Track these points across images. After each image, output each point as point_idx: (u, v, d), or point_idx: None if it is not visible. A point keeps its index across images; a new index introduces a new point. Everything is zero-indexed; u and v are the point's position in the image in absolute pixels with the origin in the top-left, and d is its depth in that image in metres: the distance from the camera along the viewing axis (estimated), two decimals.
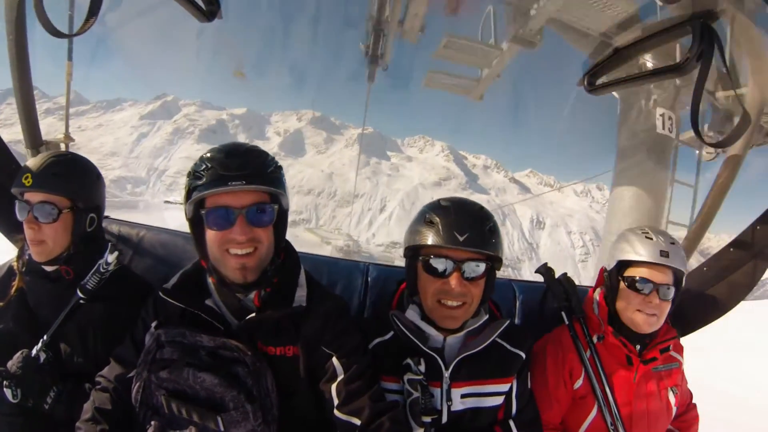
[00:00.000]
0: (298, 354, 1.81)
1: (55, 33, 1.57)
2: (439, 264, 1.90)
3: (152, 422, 1.67)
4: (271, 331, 1.81)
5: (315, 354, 1.82)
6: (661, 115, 5.08)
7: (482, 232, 1.89)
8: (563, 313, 2.48)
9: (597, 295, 2.48)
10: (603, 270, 2.49)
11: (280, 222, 1.85)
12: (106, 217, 2.55)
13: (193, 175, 1.70)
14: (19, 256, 2.17)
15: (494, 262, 1.96)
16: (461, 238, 1.84)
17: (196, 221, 1.77)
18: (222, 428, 1.60)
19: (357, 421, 1.72)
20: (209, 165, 1.68)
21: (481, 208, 2.03)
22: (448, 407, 1.93)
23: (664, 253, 2.20)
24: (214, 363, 1.66)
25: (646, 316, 2.23)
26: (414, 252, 2.01)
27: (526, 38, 5.39)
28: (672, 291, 2.23)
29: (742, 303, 2.96)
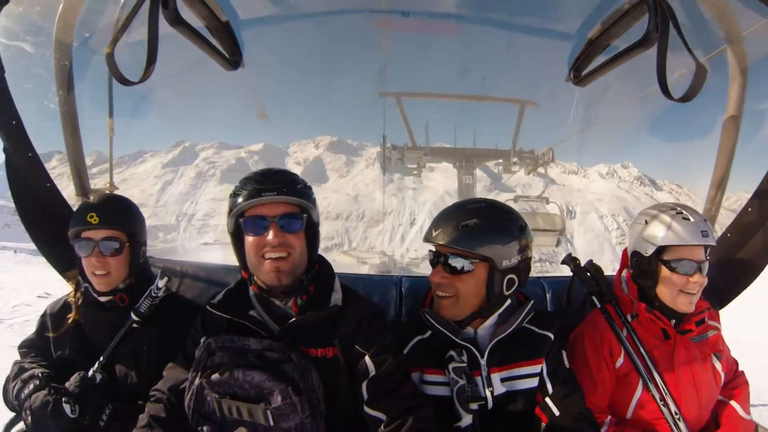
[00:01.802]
0: (338, 354, 1.98)
1: (123, 81, 1.88)
2: (432, 257, 2.22)
3: (204, 427, 1.85)
4: (311, 334, 1.99)
5: (350, 353, 1.99)
6: (464, 177, 14.34)
7: (452, 229, 2.09)
8: (594, 298, 2.49)
9: (624, 275, 2.51)
10: (629, 253, 2.49)
11: (312, 233, 2.10)
12: (150, 257, 2.84)
13: (234, 194, 1.99)
14: (76, 291, 2.44)
15: (487, 261, 2.07)
16: (433, 234, 2.14)
17: (236, 233, 2.04)
18: (272, 422, 1.75)
19: (383, 417, 1.86)
20: (247, 184, 1.97)
21: (476, 207, 2.19)
22: (491, 392, 2.05)
23: (704, 233, 2.20)
24: (261, 363, 1.84)
25: (688, 295, 2.25)
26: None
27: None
28: (707, 265, 2.28)
29: None
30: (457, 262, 2.08)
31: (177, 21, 2.04)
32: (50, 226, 2.83)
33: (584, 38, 2.65)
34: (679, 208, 2.31)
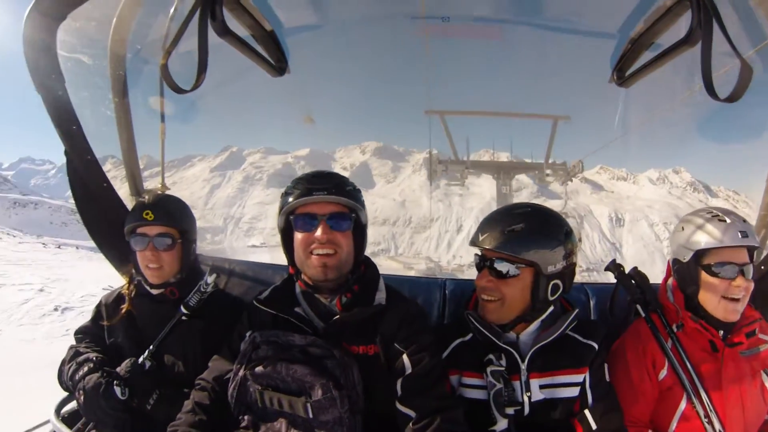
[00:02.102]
0: (379, 352, 2.04)
1: (177, 89, 2.03)
2: (478, 260, 2.22)
3: (246, 416, 1.95)
4: (354, 331, 2.05)
5: (389, 351, 2.04)
6: (503, 186, 18.05)
7: (498, 233, 2.10)
8: (638, 306, 2.43)
9: (670, 283, 2.43)
10: (672, 263, 2.41)
11: (359, 234, 2.18)
12: (199, 254, 3.01)
13: (285, 193, 2.11)
14: (129, 283, 2.63)
15: (532, 266, 2.07)
16: (480, 238, 2.15)
17: (286, 230, 2.15)
18: (311, 415, 1.82)
19: (413, 414, 1.90)
20: (299, 183, 2.08)
21: (523, 212, 2.17)
22: (529, 398, 2.04)
23: (743, 234, 2.13)
24: (305, 358, 1.91)
25: (732, 302, 2.16)
26: None
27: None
28: (751, 268, 2.18)
29: None
30: (502, 267, 2.09)
31: (224, 31, 2.17)
32: (107, 223, 3.05)
33: (627, 38, 2.60)
34: (715, 212, 2.27)
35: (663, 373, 2.25)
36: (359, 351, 2.04)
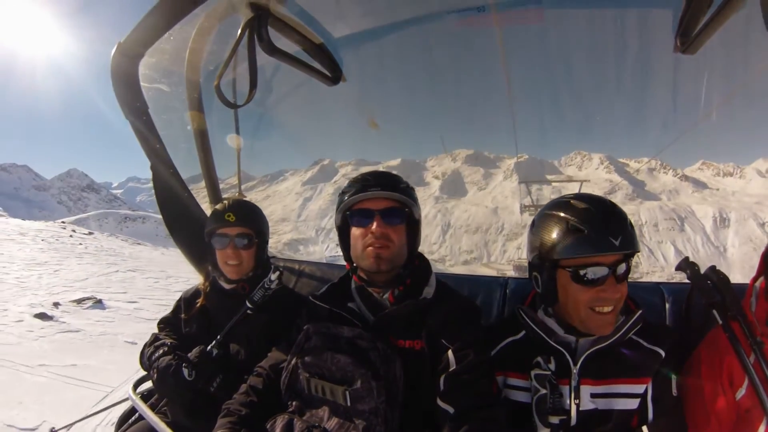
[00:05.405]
0: (425, 347, 2.10)
1: (230, 105, 2.28)
2: (595, 272, 1.85)
3: (294, 402, 2.11)
4: (402, 325, 2.15)
5: (435, 347, 2.08)
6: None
7: (630, 231, 1.83)
8: (715, 312, 2.10)
9: (758, 285, 2.07)
10: (765, 255, 2.05)
11: (412, 228, 2.31)
12: (273, 257, 3.30)
13: (342, 192, 2.30)
14: (206, 280, 3.00)
15: (632, 257, 1.91)
16: (617, 242, 1.78)
17: (343, 227, 2.35)
18: (349, 402, 1.93)
19: (451, 410, 1.90)
20: (355, 183, 2.27)
21: (613, 203, 1.95)
22: (577, 406, 1.93)
23: None
24: (350, 349, 2.04)
25: None
26: (554, 263, 1.96)
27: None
28: None
29: None
30: (625, 267, 1.85)
31: (272, 50, 2.37)
32: (188, 227, 3.50)
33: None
34: None
35: (741, 393, 1.94)
36: (405, 345, 2.11)
